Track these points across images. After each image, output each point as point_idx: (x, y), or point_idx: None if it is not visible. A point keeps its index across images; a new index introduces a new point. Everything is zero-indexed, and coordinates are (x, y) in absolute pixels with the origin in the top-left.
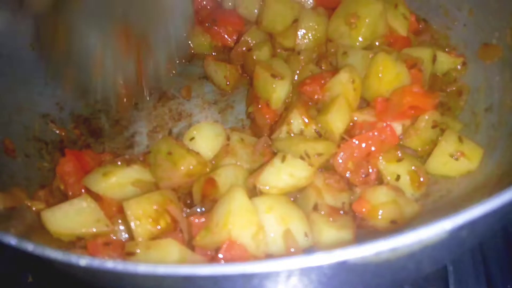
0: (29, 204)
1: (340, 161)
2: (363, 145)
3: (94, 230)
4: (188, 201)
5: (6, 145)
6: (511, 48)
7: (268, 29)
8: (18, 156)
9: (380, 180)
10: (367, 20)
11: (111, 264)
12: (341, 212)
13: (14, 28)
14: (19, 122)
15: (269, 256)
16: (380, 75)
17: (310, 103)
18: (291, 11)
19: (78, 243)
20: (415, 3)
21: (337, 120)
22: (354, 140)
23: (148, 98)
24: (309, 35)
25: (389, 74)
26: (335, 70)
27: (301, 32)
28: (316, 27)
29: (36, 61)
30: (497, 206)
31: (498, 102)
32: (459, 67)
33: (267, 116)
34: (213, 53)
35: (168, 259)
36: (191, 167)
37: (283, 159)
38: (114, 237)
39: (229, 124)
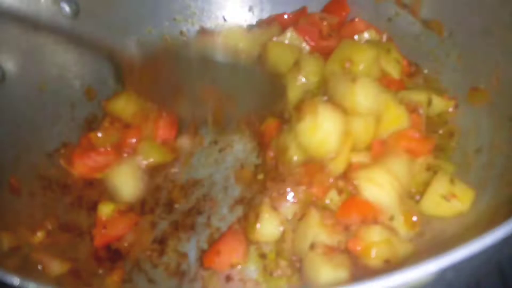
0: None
1: None
2: None
3: None
4: None
5: (12, 183)
6: (498, 92)
7: (273, 72)
8: (23, 195)
9: (375, 219)
10: (361, 65)
11: None
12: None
13: (24, 72)
14: (26, 161)
15: None
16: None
17: None
18: (291, 53)
19: None
20: (406, 48)
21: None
22: None
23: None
24: (308, 78)
25: (390, 116)
26: None
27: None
28: (314, 70)
29: (45, 103)
30: (482, 248)
31: (488, 144)
32: (451, 109)
33: None
34: None
35: None
36: None
37: None
38: None
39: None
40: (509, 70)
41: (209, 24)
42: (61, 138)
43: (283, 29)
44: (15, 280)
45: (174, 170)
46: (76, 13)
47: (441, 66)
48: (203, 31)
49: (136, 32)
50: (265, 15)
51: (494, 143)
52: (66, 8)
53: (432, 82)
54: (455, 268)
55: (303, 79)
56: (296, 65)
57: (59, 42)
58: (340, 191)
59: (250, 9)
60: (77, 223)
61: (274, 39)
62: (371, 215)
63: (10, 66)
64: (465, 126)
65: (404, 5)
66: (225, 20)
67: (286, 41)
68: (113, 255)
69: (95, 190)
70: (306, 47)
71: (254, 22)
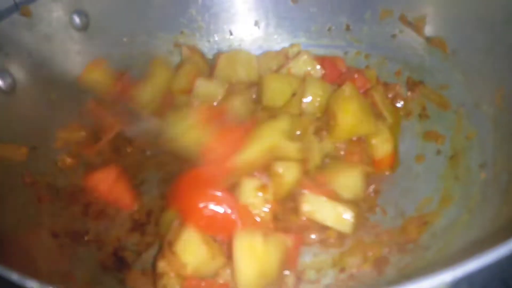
0: None
1: None
2: None
3: None
4: None
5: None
6: (501, 109)
7: (269, 107)
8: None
9: None
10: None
11: None
12: None
13: (35, 81)
14: (35, 169)
15: None
16: None
17: None
18: (289, 86)
19: None
20: (409, 65)
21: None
22: None
23: None
24: (315, 101)
25: None
26: None
27: (307, 99)
28: (321, 94)
29: (54, 112)
30: (494, 259)
31: (492, 159)
32: None
33: None
34: None
35: None
36: None
37: None
38: None
39: None
40: None
41: (216, 38)
42: (68, 146)
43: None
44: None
45: None
46: (86, 25)
47: (444, 82)
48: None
49: (144, 45)
50: (270, 30)
51: (498, 159)
52: (77, 20)
53: (435, 97)
54: (469, 279)
55: (309, 99)
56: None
57: (69, 52)
58: None
59: (256, 23)
60: (83, 231)
61: (290, 63)
62: None
63: (21, 75)
64: (469, 141)
65: (408, 22)
66: (231, 34)
67: (299, 65)
68: (119, 263)
69: (101, 198)
70: (315, 74)
71: (259, 36)
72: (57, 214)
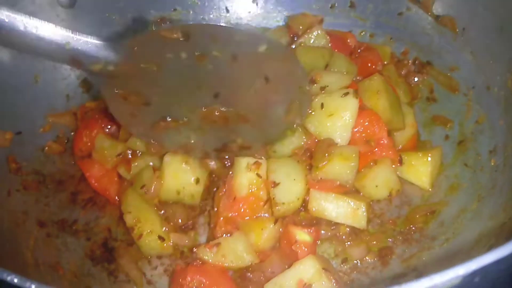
0: None
1: None
2: None
3: None
4: None
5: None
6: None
7: None
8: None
9: None
10: None
11: None
12: None
13: (18, 62)
14: (20, 156)
15: None
16: None
17: None
18: (322, 58)
19: None
20: (416, 45)
21: None
22: None
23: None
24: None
25: None
26: None
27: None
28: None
29: (39, 94)
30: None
31: (502, 145)
32: None
33: None
34: None
35: None
36: None
37: None
38: None
39: None
40: None
41: (211, 15)
42: (56, 132)
43: None
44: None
45: None
46: (73, 2)
47: (454, 63)
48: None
49: (135, 24)
50: (269, 7)
51: (509, 145)
52: None
53: (443, 79)
54: (483, 271)
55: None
56: None
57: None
58: None
59: (254, 0)
60: (72, 221)
61: (302, 38)
62: None
63: (4, 56)
64: (478, 126)
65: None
66: (227, 11)
67: (312, 40)
68: (109, 254)
69: (90, 186)
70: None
71: (258, 13)
72: (44, 202)
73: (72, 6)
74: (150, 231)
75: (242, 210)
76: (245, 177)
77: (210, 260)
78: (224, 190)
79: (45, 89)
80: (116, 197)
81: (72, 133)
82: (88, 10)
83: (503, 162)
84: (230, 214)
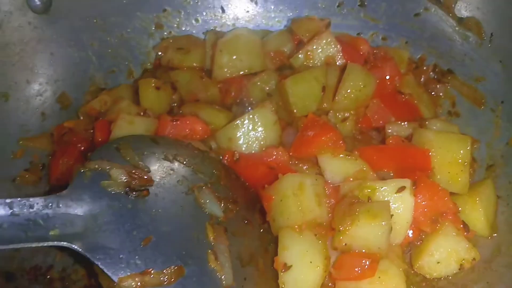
0: None
1: None
2: None
3: None
4: None
5: None
6: None
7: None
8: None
9: None
10: None
11: None
12: None
13: None
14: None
15: None
16: None
17: None
18: (316, 83)
19: None
20: (435, 51)
21: None
22: None
23: None
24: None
25: None
26: None
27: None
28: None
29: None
30: None
31: None
32: None
33: None
34: None
35: None
36: None
37: None
38: None
39: None
40: None
41: (205, 16)
42: (29, 158)
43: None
44: None
45: None
46: (47, 5)
47: (479, 73)
48: None
49: (119, 28)
50: (270, 6)
51: None
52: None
53: (467, 91)
54: None
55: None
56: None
57: (28, 40)
58: None
59: None
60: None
61: (309, 46)
62: None
63: None
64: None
65: None
66: (223, 11)
67: (320, 50)
68: None
69: None
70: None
71: (257, 13)
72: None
73: (47, 11)
74: None
75: None
76: None
77: None
78: None
79: (17, 108)
80: None
81: (49, 157)
82: (65, 14)
83: None
84: None
